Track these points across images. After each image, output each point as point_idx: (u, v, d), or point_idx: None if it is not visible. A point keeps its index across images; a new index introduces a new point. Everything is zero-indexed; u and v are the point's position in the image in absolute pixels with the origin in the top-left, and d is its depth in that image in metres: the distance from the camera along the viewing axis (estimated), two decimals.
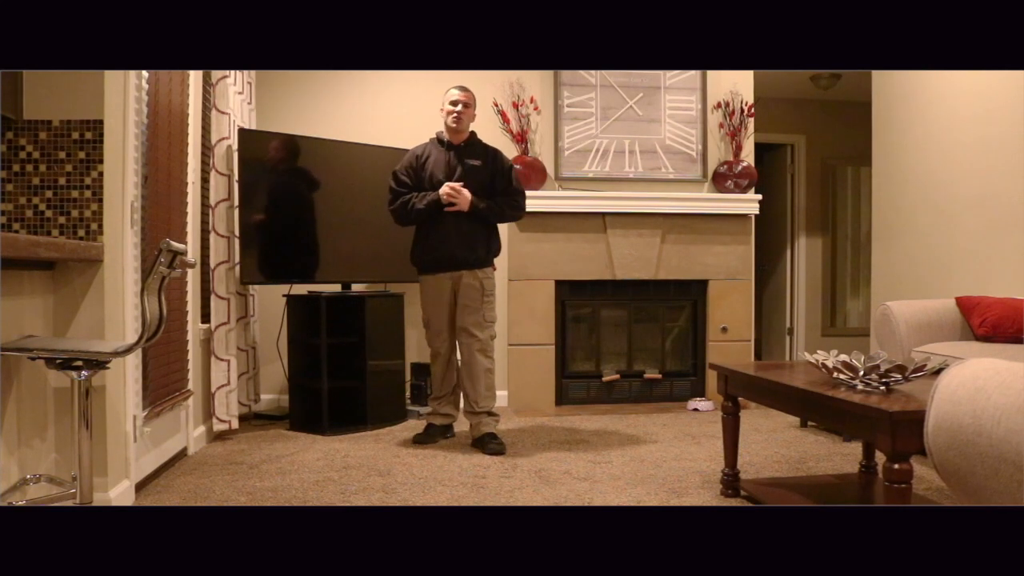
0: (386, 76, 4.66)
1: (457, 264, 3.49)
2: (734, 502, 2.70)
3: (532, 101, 4.61)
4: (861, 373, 2.18)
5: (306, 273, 4.09)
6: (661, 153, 4.76)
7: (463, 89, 3.55)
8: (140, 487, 2.75)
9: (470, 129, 3.60)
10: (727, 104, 4.77)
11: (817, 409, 2.27)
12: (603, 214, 4.65)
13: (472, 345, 3.51)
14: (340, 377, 3.95)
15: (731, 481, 2.74)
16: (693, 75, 4.79)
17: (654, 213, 4.66)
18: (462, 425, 3.80)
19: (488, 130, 4.53)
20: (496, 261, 4.59)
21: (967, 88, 4.03)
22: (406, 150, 4.24)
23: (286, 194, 4.03)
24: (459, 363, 3.64)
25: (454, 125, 3.51)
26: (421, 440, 3.62)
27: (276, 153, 3.98)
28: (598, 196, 4.61)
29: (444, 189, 3.42)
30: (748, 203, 4.74)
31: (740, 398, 2.73)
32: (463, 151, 3.54)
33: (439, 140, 3.59)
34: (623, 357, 4.85)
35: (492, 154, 3.60)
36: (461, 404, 3.75)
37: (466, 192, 3.43)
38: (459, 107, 3.50)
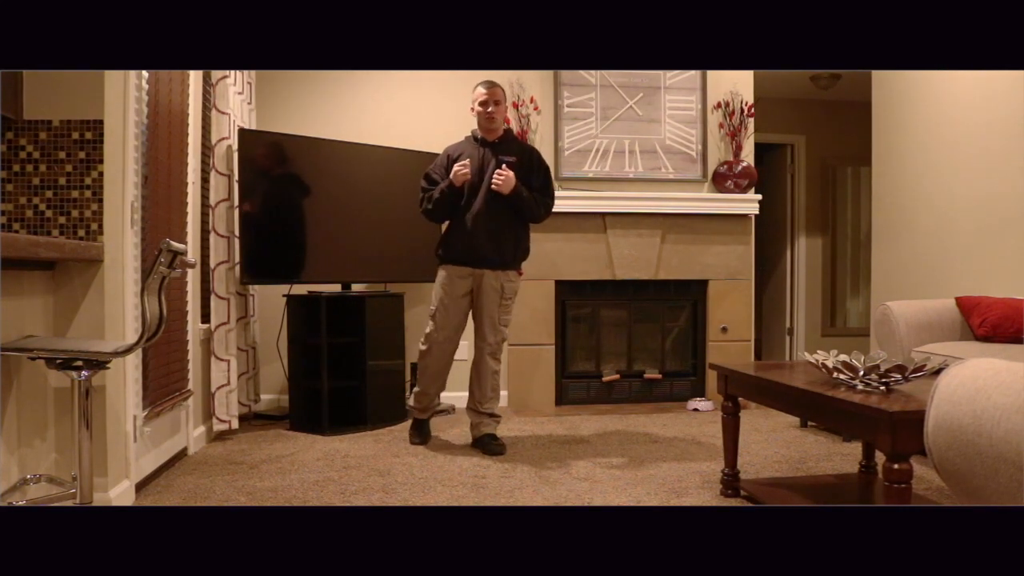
0: (386, 76, 4.66)
1: (482, 262, 3.43)
2: (734, 502, 2.70)
3: (532, 101, 4.60)
4: (861, 373, 2.18)
5: (306, 273, 4.09)
6: (661, 153, 4.76)
7: (490, 86, 3.48)
8: (140, 487, 2.76)
9: (504, 126, 3.55)
10: (727, 104, 4.77)
11: (817, 409, 2.27)
12: (603, 214, 4.65)
13: (484, 349, 3.50)
14: (340, 377, 3.95)
15: (731, 481, 2.74)
16: (693, 75, 4.79)
17: (654, 213, 4.66)
18: (456, 426, 3.80)
19: None
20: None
21: (967, 88, 4.03)
22: (407, 150, 4.26)
23: (286, 194, 4.03)
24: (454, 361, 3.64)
25: (488, 124, 3.46)
26: (418, 441, 3.62)
27: (275, 153, 3.98)
28: (598, 196, 4.61)
29: (458, 169, 3.35)
30: (748, 203, 4.74)
31: (740, 398, 2.73)
32: (497, 147, 3.48)
33: (474, 137, 3.54)
34: (623, 357, 4.85)
35: (528, 151, 3.56)
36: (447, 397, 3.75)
37: (511, 174, 3.36)
38: (489, 108, 3.44)
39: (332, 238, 4.13)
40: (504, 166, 3.38)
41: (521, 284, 4.58)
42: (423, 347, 3.56)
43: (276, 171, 3.99)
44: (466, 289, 3.47)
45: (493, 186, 3.35)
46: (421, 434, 3.65)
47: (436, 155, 3.66)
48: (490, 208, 3.39)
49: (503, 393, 4.57)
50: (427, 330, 3.56)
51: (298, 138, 4.09)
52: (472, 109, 3.51)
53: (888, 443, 1.88)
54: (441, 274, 3.52)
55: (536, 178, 3.50)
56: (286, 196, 4.03)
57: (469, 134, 3.58)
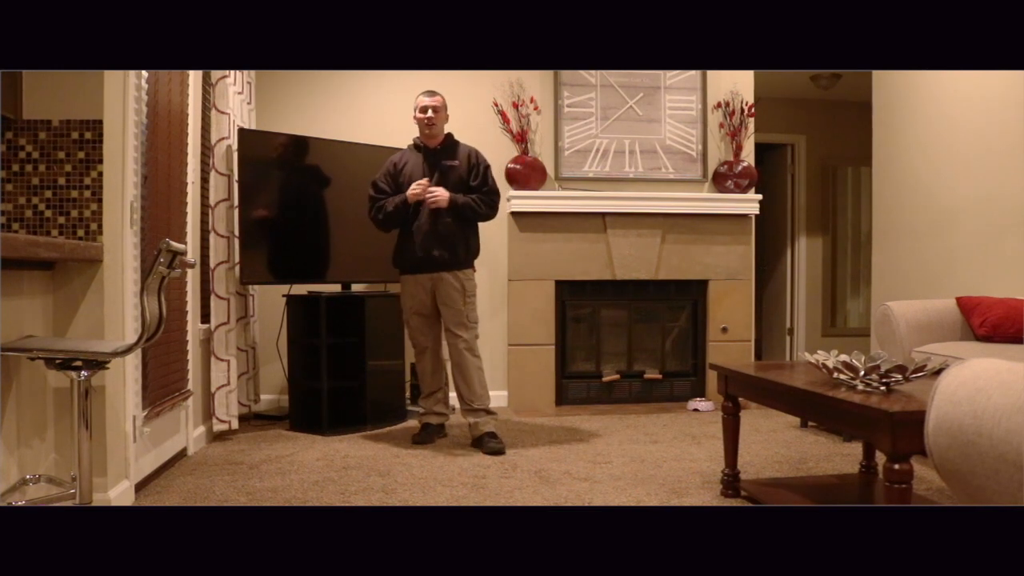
0: (386, 76, 4.65)
1: (436, 265, 3.51)
2: (734, 502, 2.70)
3: (532, 101, 4.60)
4: (861, 373, 2.18)
5: (306, 273, 4.09)
6: (661, 153, 4.76)
7: (431, 94, 3.59)
8: (140, 487, 2.75)
9: (445, 131, 3.63)
10: (727, 104, 4.77)
11: (817, 409, 2.27)
12: (603, 214, 4.64)
13: (459, 345, 3.53)
14: (340, 377, 3.95)
15: (731, 481, 2.74)
16: (693, 75, 4.79)
17: (654, 213, 4.66)
18: (455, 426, 3.80)
19: (488, 130, 4.54)
20: (495, 261, 4.61)
21: (967, 88, 4.03)
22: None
23: (286, 194, 4.03)
24: (448, 362, 3.67)
25: (428, 130, 3.56)
26: (419, 440, 3.62)
27: (276, 153, 3.98)
28: (598, 196, 4.61)
29: (412, 189, 3.45)
30: (748, 203, 4.74)
31: (740, 398, 2.73)
32: (439, 154, 3.59)
33: (416, 146, 3.64)
34: (623, 357, 4.84)
35: (469, 153, 3.63)
36: (452, 403, 3.78)
37: (439, 189, 3.47)
38: (429, 112, 3.53)
39: (332, 238, 4.13)
40: (414, 185, 3.46)
41: (521, 284, 4.58)
42: (415, 354, 3.70)
43: (276, 171, 3.99)
44: (429, 293, 3.56)
45: (431, 206, 3.45)
46: (425, 435, 3.65)
47: None
48: (436, 215, 3.49)
49: (503, 393, 4.57)
50: (409, 336, 3.69)
51: (298, 138, 4.09)
52: (414, 117, 3.60)
53: (888, 443, 1.88)
54: (403, 283, 3.64)
55: (475, 178, 3.57)
56: (286, 196, 4.03)
57: (411, 143, 3.67)
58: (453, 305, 3.52)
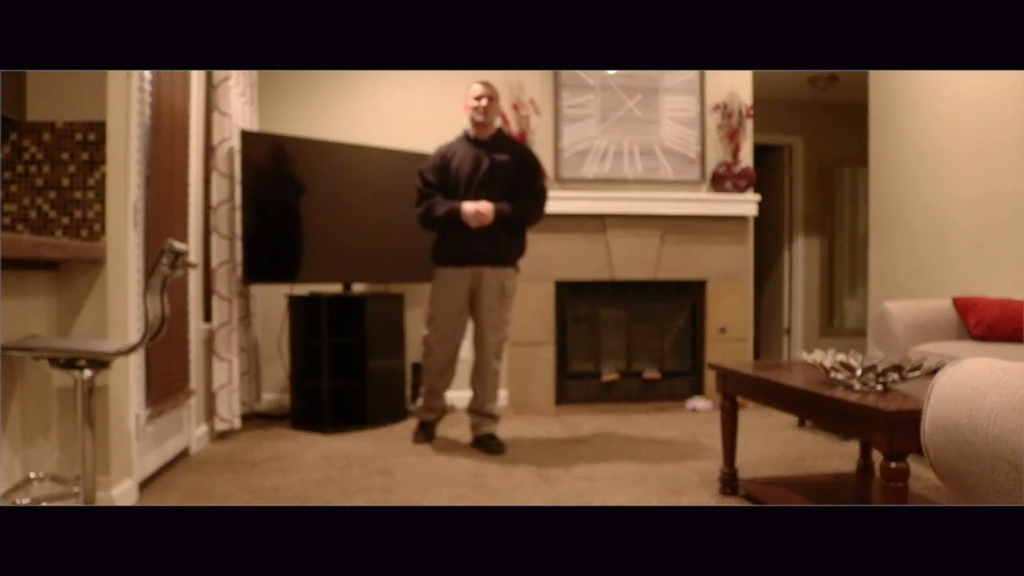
0: (387, 77, 4.67)
1: (480, 260, 3.43)
2: (733, 501, 2.72)
3: (532, 103, 4.62)
4: (858, 373, 2.20)
5: (307, 274, 4.10)
6: (660, 154, 4.78)
7: (485, 84, 3.51)
8: (143, 486, 2.77)
9: (497, 124, 3.56)
10: (725, 106, 4.79)
11: (815, 408, 2.29)
12: (603, 215, 4.66)
13: (487, 349, 3.49)
14: (341, 376, 3.96)
15: (730, 480, 2.76)
16: (692, 77, 4.81)
17: (653, 214, 4.68)
18: (456, 425, 3.81)
19: None
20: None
21: (964, 89, 4.05)
22: (407, 152, 4.27)
23: (287, 195, 4.04)
24: (458, 362, 3.65)
25: (480, 119, 3.47)
26: (420, 439, 3.63)
27: (277, 154, 3.99)
28: (598, 197, 4.62)
29: (468, 209, 3.35)
30: (746, 204, 4.76)
31: (738, 397, 2.75)
32: (490, 146, 3.50)
33: (466, 136, 3.55)
34: (622, 357, 4.86)
35: (520, 150, 3.58)
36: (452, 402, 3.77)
37: (485, 206, 3.36)
38: (483, 101, 3.46)
39: (333, 239, 4.14)
40: (469, 209, 3.36)
41: (521, 284, 4.59)
42: (424, 351, 3.60)
43: (277, 172, 4.01)
44: (465, 290, 3.47)
45: (475, 225, 3.36)
46: (425, 434, 3.66)
47: None
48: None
49: (503, 393, 4.59)
50: (425, 333, 3.59)
51: (299, 140, 4.11)
52: (465, 106, 3.53)
53: (885, 442, 1.90)
54: (439, 276, 3.52)
55: (524, 177, 3.52)
56: (287, 197, 4.04)
57: (461, 133, 3.58)
58: (490, 304, 3.45)
